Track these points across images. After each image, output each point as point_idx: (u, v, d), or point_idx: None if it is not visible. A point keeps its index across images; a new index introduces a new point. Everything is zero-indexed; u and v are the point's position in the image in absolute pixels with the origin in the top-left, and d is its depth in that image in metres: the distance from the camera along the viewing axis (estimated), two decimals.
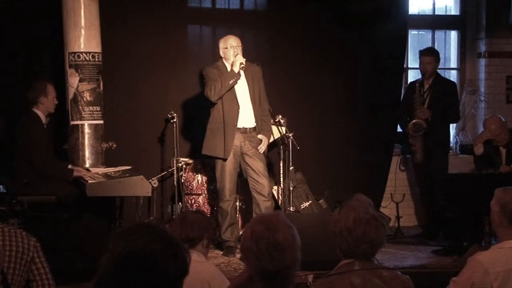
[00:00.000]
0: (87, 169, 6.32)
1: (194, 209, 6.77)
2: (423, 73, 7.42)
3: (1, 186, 5.93)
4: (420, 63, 7.45)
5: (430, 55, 7.38)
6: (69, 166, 6.28)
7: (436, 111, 7.25)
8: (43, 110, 6.29)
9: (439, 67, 7.58)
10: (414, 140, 7.36)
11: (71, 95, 6.52)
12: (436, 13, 8.72)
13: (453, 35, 8.73)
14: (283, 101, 7.37)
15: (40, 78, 6.49)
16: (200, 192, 7.08)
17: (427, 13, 8.73)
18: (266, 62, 6.97)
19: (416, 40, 8.80)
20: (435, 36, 8.72)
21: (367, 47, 7.76)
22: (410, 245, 7.05)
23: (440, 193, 7.08)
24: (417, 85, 7.40)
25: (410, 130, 7.30)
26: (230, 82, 6.29)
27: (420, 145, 7.31)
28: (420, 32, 8.81)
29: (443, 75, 7.94)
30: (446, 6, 8.76)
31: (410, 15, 8.23)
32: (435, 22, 8.71)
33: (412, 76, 8.69)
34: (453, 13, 8.72)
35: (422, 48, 7.59)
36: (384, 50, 7.80)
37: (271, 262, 2.51)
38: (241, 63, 6.29)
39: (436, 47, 8.01)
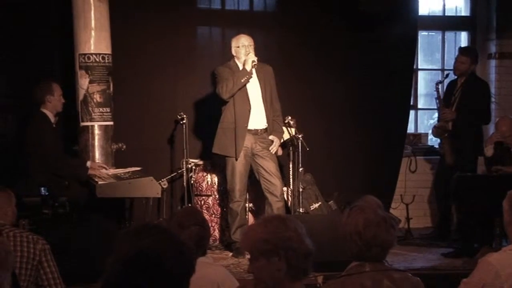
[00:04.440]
0: (104, 167, 6.33)
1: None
2: (455, 71, 7.29)
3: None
4: (455, 61, 7.30)
5: (465, 55, 7.21)
6: (88, 164, 6.28)
7: (463, 112, 7.12)
8: (51, 109, 6.29)
9: None
10: (442, 142, 7.31)
11: (81, 97, 6.54)
12: (446, 14, 8.69)
13: (463, 36, 8.69)
14: (293, 102, 7.36)
15: (45, 78, 6.49)
16: (210, 193, 7.07)
17: (437, 14, 8.70)
18: (276, 63, 6.96)
19: (426, 41, 8.78)
20: (445, 37, 8.69)
21: (377, 48, 7.73)
22: (421, 247, 7.02)
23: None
24: (437, 86, 7.36)
25: (433, 133, 7.24)
26: (242, 81, 6.28)
27: (448, 147, 7.22)
28: (430, 33, 8.78)
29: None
30: (456, 7, 8.73)
31: (420, 16, 8.19)
32: (445, 23, 8.68)
33: (422, 77, 8.67)
34: (463, 14, 8.68)
35: (459, 47, 7.43)
36: (394, 51, 7.77)
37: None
38: (253, 61, 6.28)
39: (446, 48, 7.95)
